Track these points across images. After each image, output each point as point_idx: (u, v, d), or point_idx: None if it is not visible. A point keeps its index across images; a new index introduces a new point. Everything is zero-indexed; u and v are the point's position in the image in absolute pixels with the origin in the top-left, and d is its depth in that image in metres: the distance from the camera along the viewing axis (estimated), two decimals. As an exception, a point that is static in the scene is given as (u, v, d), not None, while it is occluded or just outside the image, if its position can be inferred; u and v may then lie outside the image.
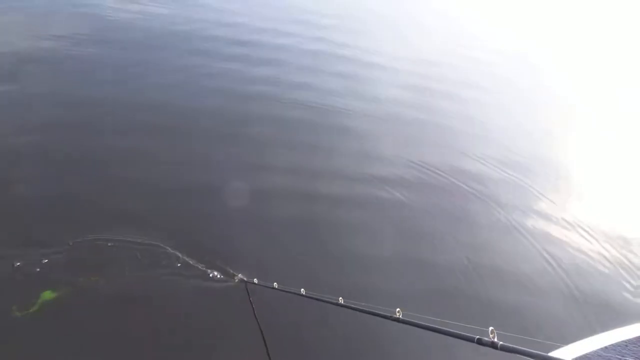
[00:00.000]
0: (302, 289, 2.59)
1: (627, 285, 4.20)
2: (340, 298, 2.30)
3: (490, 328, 1.33)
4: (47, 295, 2.74)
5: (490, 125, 7.27)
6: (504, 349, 1.28)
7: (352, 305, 2.23)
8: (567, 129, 8.13)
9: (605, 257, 4.51)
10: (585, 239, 4.70)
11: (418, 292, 3.50)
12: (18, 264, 2.88)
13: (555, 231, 4.71)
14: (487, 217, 4.63)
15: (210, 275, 3.19)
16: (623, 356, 1.42)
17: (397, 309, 1.79)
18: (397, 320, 1.78)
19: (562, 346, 1.45)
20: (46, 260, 2.94)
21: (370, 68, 8.37)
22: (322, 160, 4.93)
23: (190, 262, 3.23)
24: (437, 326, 1.57)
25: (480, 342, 1.35)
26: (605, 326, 3.34)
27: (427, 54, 10.27)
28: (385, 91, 7.35)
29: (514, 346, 1.26)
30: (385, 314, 1.86)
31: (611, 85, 12.19)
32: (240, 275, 3.21)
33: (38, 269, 2.88)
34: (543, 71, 12.04)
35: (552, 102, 9.62)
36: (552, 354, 1.31)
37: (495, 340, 1.31)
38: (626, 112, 10.08)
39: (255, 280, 3.06)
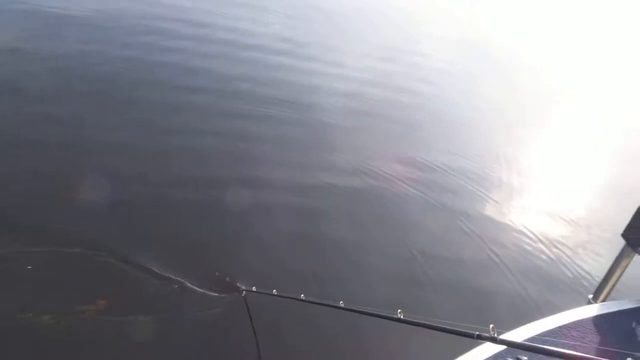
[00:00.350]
0: (301, 295, 2.56)
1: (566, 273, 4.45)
2: (341, 302, 2.30)
3: (491, 325, 1.38)
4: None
5: (436, 123, 7.41)
6: (503, 342, 1.36)
7: (354, 308, 2.24)
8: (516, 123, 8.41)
9: (547, 251, 4.70)
10: (529, 237, 4.85)
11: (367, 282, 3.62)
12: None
13: (499, 227, 4.88)
14: (433, 217, 4.75)
15: (208, 287, 3.14)
16: (559, 338, 1.53)
17: (399, 310, 1.80)
18: (400, 320, 1.80)
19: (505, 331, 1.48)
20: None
21: (317, 63, 8.28)
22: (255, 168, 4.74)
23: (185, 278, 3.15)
24: (438, 324, 1.60)
25: (480, 337, 1.40)
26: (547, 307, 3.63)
27: (375, 50, 10.34)
28: (330, 90, 7.30)
29: (512, 340, 1.34)
30: (388, 315, 1.88)
31: (562, 82, 12.53)
32: (239, 285, 3.18)
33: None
34: (495, 67, 12.29)
35: (502, 97, 9.84)
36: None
37: (495, 335, 1.36)
38: (573, 108, 10.52)
39: (254, 289, 3.01)
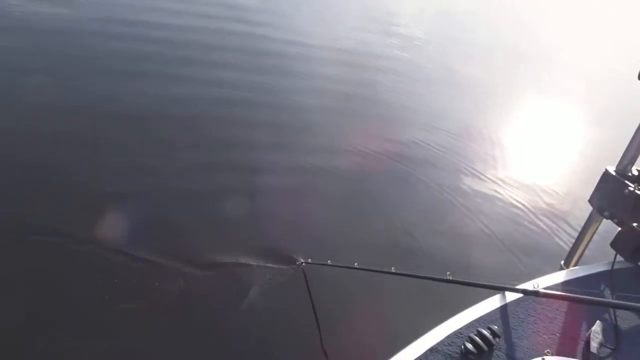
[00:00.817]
0: (355, 263, 2.90)
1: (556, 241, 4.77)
2: (393, 267, 2.58)
3: (536, 281, 1.58)
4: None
5: (416, 102, 7.70)
6: (545, 295, 1.52)
7: (405, 272, 2.54)
8: (491, 102, 8.70)
9: (534, 220, 5.06)
10: (518, 207, 5.20)
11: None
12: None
13: (486, 197, 5.25)
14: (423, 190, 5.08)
15: (269, 262, 3.52)
16: (516, 314, 1.57)
17: (448, 272, 2.00)
18: (448, 281, 1.98)
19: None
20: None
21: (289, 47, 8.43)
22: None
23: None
24: (485, 282, 1.79)
25: (525, 292, 1.55)
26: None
27: (350, 33, 10.43)
28: (308, 72, 7.51)
29: (554, 292, 1.53)
30: (438, 277, 2.07)
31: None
32: (296, 257, 3.57)
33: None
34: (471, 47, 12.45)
35: (483, 72, 10.04)
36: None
37: (539, 289, 1.51)
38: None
39: (310, 260, 3.45)
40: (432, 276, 2.15)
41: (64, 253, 3.17)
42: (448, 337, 1.42)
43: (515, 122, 8.08)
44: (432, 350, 1.38)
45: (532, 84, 10.65)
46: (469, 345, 1.38)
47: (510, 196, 5.24)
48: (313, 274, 3.42)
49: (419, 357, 1.36)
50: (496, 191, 5.29)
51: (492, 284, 1.73)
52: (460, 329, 1.46)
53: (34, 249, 3.15)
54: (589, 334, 1.46)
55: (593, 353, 1.40)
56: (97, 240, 3.30)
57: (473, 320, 1.50)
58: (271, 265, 3.47)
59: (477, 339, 1.40)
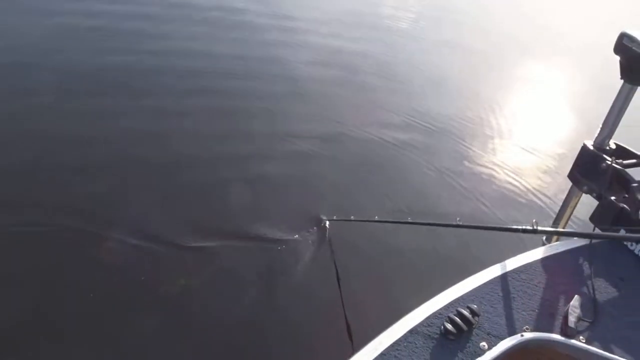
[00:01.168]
0: (375, 216, 3.18)
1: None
2: (409, 217, 2.90)
3: (534, 220, 1.67)
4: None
5: (407, 79, 7.72)
6: (543, 232, 1.69)
7: (418, 221, 2.92)
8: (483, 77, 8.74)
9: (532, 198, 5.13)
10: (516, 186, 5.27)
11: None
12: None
13: (481, 173, 5.34)
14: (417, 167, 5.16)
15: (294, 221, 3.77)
16: (495, 292, 1.58)
17: (457, 218, 2.20)
18: (459, 226, 2.17)
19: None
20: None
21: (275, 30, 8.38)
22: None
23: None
24: (492, 225, 2.20)
25: (525, 230, 1.64)
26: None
27: (340, 13, 10.41)
28: (299, 54, 7.51)
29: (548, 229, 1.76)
30: (448, 223, 2.30)
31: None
32: (320, 215, 3.82)
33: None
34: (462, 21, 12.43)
35: (468, 52, 10.02)
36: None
37: (536, 227, 1.62)
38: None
39: (335, 217, 3.72)
40: (445, 222, 2.44)
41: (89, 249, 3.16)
42: (427, 318, 1.42)
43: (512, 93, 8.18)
44: (412, 332, 1.38)
45: (527, 57, 10.77)
46: (449, 326, 1.38)
47: (505, 171, 5.33)
48: (336, 231, 3.70)
49: (399, 339, 1.36)
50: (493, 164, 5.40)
51: (497, 226, 2.02)
52: (440, 309, 1.46)
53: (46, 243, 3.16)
54: (567, 309, 1.48)
55: (571, 327, 1.41)
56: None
57: (452, 301, 1.50)
58: (297, 225, 3.70)
59: (457, 319, 1.40)
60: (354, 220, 3.40)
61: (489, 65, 9.40)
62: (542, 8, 17.93)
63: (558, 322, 1.47)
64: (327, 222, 3.74)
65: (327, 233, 3.68)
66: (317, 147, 4.97)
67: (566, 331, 1.41)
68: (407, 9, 11.81)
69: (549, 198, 5.02)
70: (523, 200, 4.94)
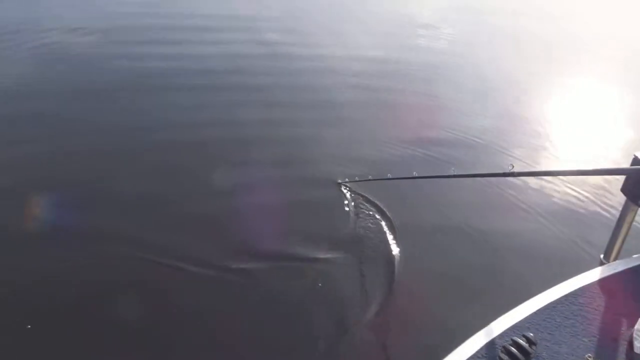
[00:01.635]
0: (388, 174, 3.66)
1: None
2: (415, 172, 3.32)
3: (511, 164, 1.96)
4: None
5: (448, 94, 7.54)
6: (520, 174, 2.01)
7: (426, 175, 3.42)
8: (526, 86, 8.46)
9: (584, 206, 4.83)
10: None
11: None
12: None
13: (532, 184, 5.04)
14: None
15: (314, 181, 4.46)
16: (552, 318, 1.49)
17: (452, 168, 2.70)
18: (455, 176, 2.66)
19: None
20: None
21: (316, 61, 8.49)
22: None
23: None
24: (470, 173, 2.91)
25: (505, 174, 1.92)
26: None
27: (378, 26, 10.49)
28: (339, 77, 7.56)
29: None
30: (446, 174, 2.72)
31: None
32: (339, 180, 4.35)
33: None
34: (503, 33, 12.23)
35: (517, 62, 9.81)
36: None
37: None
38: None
39: (347, 180, 4.29)
40: (456, 174, 2.63)
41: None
42: (481, 349, 1.38)
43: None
44: None
45: (572, 68, 10.40)
46: (505, 357, 1.34)
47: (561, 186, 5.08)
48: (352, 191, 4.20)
49: None
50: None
51: (493, 173, 2.23)
52: (494, 339, 1.42)
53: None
54: (632, 333, 1.40)
55: (637, 353, 1.34)
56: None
57: (507, 329, 1.45)
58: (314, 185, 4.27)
59: (513, 349, 1.35)
60: (368, 180, 4.00)
61: (534, 74, 9.18)
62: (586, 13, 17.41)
63: (622, 347, 1.39)
64: (342, 183, 4.31)
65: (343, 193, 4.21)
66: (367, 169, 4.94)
67: (632, 357, 1.34)
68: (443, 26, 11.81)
69: (607, 211, 4.76)
70: (581, 213, 4.70)
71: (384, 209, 4.08)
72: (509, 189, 4.70)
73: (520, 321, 1.47)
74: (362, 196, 4.20)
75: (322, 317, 3.05)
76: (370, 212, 4.02)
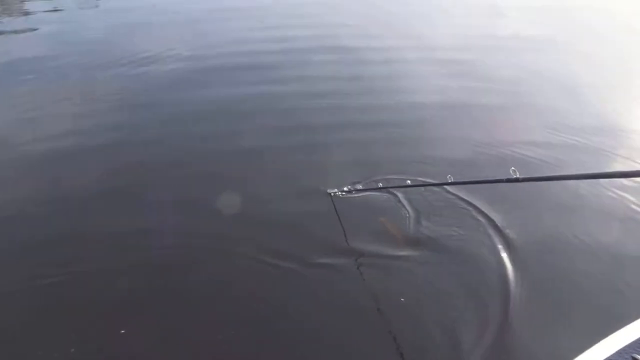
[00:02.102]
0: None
1: None
2: (408, 180, 3.31)
3: (512, 168, 1.82)
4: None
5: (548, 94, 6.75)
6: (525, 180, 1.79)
7: (420, 183, 3.46)
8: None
9: None
10: None
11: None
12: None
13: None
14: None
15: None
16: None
17: (448, 175, 2.44)
18: (452, 183, 2.53)
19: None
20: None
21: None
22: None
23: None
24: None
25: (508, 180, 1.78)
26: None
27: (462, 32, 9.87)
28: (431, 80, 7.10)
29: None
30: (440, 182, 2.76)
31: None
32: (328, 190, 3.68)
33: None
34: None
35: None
36: None
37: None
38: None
39: (336, 190, 3.66)
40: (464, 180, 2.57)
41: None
42: None
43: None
44: None
45: None
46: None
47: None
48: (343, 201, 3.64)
49: None
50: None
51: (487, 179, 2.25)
52: (611, 356, 1.25)
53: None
54: None
55: None
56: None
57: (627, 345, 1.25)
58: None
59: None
60: (359, 190, 3.63)
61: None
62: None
63: None
64: (332, 194, 3.72)
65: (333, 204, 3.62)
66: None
67: None
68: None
69: None
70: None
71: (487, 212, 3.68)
72: (627, 194, 4.11)
73: (630, 343, 1.33)
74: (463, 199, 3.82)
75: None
76: (472, 215, 3.66)
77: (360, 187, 3.62)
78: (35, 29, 8.94)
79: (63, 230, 3.40)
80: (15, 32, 9.05)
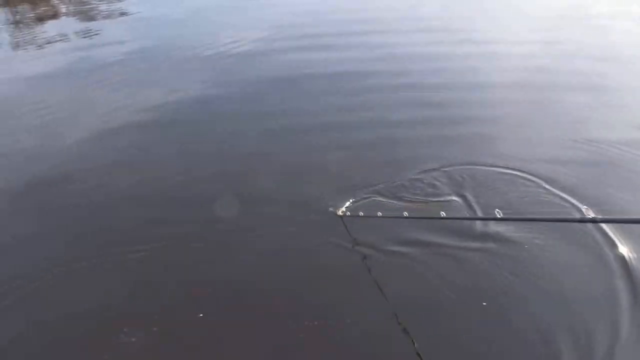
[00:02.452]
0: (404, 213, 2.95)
1: None
2: (442, 212, 2.61)
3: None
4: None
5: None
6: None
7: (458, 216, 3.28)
8: None
9: None
10: None
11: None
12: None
13: None
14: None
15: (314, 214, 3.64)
16: None
17: (497, 209, 2.10)
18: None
19: None
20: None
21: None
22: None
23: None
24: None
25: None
26: None
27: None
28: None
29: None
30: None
31: None
32: (332, 209, 3.60)
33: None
34: None
35: None
36: None
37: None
38: None
39: (348, 213, 3.52)
40: (494, 216, 2.09)
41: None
42: None
43: None
44: None
45: None
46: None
47: None
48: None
49: None
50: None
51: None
52: None
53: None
54: None
55: None
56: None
57: None
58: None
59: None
60: (371, 217, 3.32)
61: None
62: None
63: None
64: (343, 215, 3.58)
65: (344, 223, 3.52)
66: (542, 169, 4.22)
67: None
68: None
69: None
70: None
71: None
72: None
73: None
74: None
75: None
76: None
77: None
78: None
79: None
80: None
